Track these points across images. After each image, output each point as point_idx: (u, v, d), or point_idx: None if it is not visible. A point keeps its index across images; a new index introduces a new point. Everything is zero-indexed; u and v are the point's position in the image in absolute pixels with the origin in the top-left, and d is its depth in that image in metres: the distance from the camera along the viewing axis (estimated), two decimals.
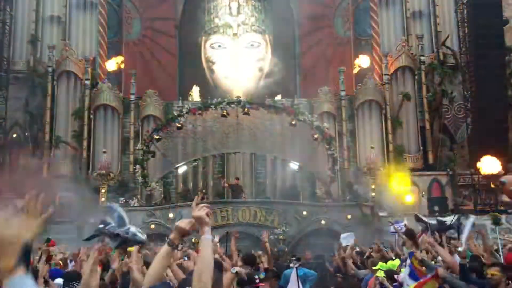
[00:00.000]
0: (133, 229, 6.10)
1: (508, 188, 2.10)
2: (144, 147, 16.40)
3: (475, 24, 18.32)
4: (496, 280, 4.37)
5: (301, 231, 15.08)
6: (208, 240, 2.49)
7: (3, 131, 18.91)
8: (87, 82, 18.95)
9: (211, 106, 16.25)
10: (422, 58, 19.57)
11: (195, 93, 20.45)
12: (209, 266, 2.42)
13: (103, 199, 15.64)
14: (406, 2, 20.48)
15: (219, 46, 21.10)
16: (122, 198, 15.96)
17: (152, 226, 14.92)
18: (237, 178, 17.32)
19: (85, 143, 18.50)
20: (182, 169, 17.74)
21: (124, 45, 20.47)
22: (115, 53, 20.46)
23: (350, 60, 20.28)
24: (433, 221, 9.50)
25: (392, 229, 11.45)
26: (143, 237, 6.19)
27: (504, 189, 2.17)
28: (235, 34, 20.70)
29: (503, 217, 15.83)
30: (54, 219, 15.65)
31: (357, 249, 10.23)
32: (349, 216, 15.21)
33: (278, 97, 19.58)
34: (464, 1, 18.85)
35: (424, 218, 9.97)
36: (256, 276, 5.65)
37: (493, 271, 4.45)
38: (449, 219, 9.36)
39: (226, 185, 17.44)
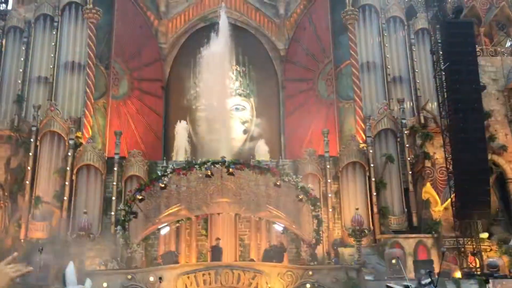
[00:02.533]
0: None
1: None
2: (126, 208, 16.12)
3: (453, 89, 18.93)
4: None
5: None
6: None
7: None
8: (71, 142, 18.87)
9: (196, 166, 16.20)
10: (403, 121, 20.01)
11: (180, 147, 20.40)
12: None
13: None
14: (387, 68, 21.21)
15: (204, 109, 21.41)
16: (101, 260, 15.49)
17: None
18: (218, 238, 17.00)
19: (66, 204, 18.14)
20: (164, 230, 17.38)
21: (110, 105, 20.63)
22: (101, 113, 20.58)
23: (334, 122, 20.64)
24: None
25: None
26: None
27: None
28: (219, 98, 21.10)
29: (489, 282, 15.62)
30: (31, 283, 15.12)
31: None
32: (334, 279, 14.90)
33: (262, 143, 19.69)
34: (442, 68, 19.57)
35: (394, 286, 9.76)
36: None
37: None
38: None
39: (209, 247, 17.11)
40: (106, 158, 19.03)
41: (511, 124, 20.97)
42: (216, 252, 16.16)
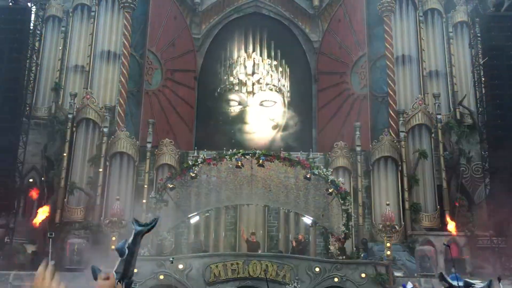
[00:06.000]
0: None
1: None
2: (158, 196, 16.37)
3: (492, 85, 18.39)
4: None
5: None
6: None
7: (20, 175, 19.11)
8: (105, 130, 19.24)
9: (226, 156, 16.28)
10: (438, 116, 19.55)
11: None
12: None
13: (113, 247, 15.46)
14: (423, 62, 20.73)
15: (234, 102, 21.44)
16: None
17: (161, 276, 14.62)
18: (253, 234, 17.02)
19: (99, 190, 18.55)
20: (194, 219, 17.57)
21: (144, 94, 20.91)
22: (135, 102, 20.89)
23: (366, 116, 20.35)
24: (460, 283, 9.00)
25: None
26: None
27: None
28: (249, 92, 21.07)
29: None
30: (64, 266, 15.57)
31: None
32: (363, 275, 14.76)
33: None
34: (481, 62, 19.03)
35: (449, 279, 9.43)
36: None
37: None
38: (478, 283, 8.86)
39: (243, 237, 17.20)
40: (138, 146, 19.33)
41: None
42: (252, 247, 16.24)
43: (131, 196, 18.75)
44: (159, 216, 5.42)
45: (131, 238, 3.41)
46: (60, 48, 21.28)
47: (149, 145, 19.21)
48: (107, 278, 3.10)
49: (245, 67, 21.53)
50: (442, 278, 9.35)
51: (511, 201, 16.76)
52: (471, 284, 8.84)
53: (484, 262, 17.35)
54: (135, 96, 20.97)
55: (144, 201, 18.29)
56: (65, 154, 19.00)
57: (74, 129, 19.32)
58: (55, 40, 21.47)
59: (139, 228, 3.63)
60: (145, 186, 18.77)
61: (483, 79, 18.86)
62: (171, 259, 13.24)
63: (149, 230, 3.68)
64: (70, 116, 19.43)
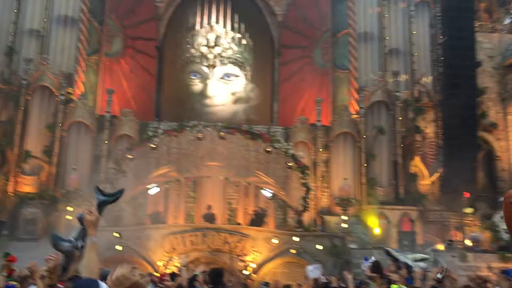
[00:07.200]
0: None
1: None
2: (116, 167, 16.13)
3: (449, 65, 18.89)
4: None
5: (271, 259, 14.94)
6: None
7: None
8: (62, 98, 18.66)
9: (187, 128, 16.17)
10: (397, 94, 19.97)
11: None
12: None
13: (68, 217, 15.22)
14: (384, 39, 21.00)
15: (195, 75, 21.16)
16: None
17: (119, 247, 14.54)
18: (209, 206, 17.07)
19: (55, 159, 18.09)
20: (153, 190, 17.45)
21: (102, 62, 20.32)
22: (92, 70, 20.28)
23: (328, 91, 20.56)
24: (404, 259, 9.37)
25: (364, 267, 11.36)
26: None
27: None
28: (211, 65, 20.79)
29: (470, 255, 15.99)
30: (18, 236, 15.24)
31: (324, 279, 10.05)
32: (319, 246, 15.16)
33: None
34: (440, 42, 19.45)
35: (394, 254, 9.79)
36: None
37: None
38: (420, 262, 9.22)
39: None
40: (97, 115, 18.87)
41: (503, 102, 21.00)
42: (210, 220, 16.32)
43: (88, 166, 18.38)
44: (124, 188, 5.23)
45: (94, 207, 3.41)
46: (15, 10, 20.26)
47: (107, 115, 18.79)
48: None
49: (208, 39, 21.18)
50: (388, 254, 9.76)
51: (462, 177, 17.49)
52: (413, 265, 9.17)
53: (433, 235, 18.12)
54: (93, 63, 20.35)
55: (102, 171, 18.01)
56: (19, 122, 18.35)
57: (28, 96, 18.63)
58: (8, 2, 20.38)
59: (103, 198, 3.50)
60: (103, 156, 18.43)
61: (441, 58, 19.31)
62: (118, 234, 13.16)
63: (113, 201, 3.58)
64: (24, 82, 18.70)
